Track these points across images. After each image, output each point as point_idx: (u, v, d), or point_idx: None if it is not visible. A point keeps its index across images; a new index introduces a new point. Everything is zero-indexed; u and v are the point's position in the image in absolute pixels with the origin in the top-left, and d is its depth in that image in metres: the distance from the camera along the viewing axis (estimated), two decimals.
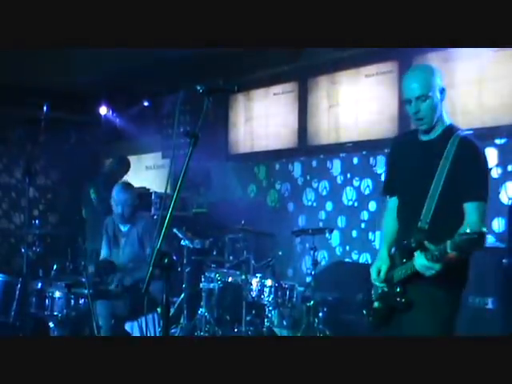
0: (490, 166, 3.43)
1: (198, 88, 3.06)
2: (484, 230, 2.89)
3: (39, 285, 5.53)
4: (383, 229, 3.76)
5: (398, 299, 3.35)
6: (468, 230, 2.88)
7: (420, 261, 3.14)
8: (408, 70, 3.56)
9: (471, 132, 3.46)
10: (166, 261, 2.76)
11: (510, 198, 5.82)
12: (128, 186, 5.97)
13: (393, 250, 3.57)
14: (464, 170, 3.27)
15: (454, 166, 3.27)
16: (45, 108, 7.82)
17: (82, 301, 5.33)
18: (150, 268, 2.76)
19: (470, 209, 3.26)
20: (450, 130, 3.40)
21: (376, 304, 3.50)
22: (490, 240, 5.87)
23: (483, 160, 3.33)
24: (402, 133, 3.86)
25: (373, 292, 3.55)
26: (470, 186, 3.27)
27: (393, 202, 3.70)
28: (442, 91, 3.39)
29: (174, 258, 2.79)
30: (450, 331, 3.32)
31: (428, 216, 3.30)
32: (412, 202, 3.47)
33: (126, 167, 8.37)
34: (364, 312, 3.61)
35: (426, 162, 3.39)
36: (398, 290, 3.35)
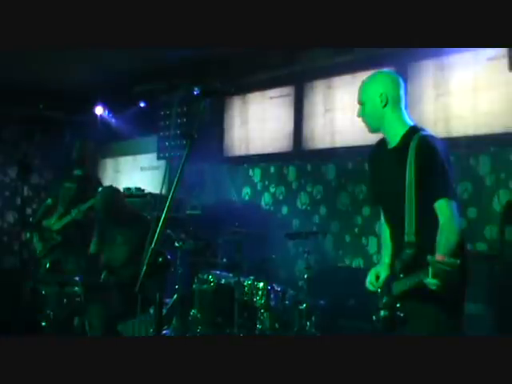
0: (449, 162, 3.29)
1: (195, 90, 3.08)
2: (458, 261, 2.83)
3: (32, 283, 5.54)
4: (381, 235, 3.74)
5: (398, 313, 3.36)
6: (446, 259, 2.85)
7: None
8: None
9: (429, 133, 3.42)
10: (160, 260, 2.78)
11: (502, 206, 5.83)
12: (103, 193, 5.91)
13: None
14: (424, 171, 3.24)
15: (417, 170, 3.24)
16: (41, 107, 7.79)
17: (74, 299, 5.33)
18: (144, 267, 2.77)
19: (438, 208, 3.22)
20: (411, 132, 3.39)
21: (382, 313, 3.49)
22: (482, 247, 5.91)
23: (439, 157, 3.25)
24: (375, 143, 3.78)
25: (378, 301, 3.55)
26: (432, 186, 3.23)
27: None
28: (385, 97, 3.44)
29: (169, 257, 2.79)
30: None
31: (412, 227, 3.27)
32: (393, 212, 3.49)
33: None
34: (374, 318, 3.59)
35: (396, 171, 3.36)
36: (399, 305, 3.36)
